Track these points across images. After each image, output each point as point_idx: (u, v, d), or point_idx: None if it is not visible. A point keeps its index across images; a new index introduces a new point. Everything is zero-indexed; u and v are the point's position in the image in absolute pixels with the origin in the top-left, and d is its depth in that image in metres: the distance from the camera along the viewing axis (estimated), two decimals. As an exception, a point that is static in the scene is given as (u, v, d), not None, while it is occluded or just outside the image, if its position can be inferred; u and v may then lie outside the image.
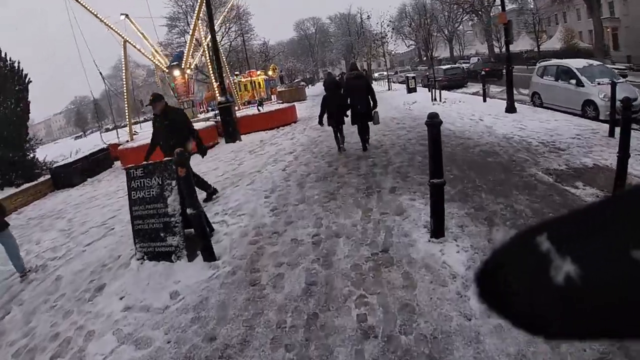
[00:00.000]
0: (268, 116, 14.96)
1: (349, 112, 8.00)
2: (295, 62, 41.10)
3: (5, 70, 12.66)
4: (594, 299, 0.27)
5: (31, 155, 13.12)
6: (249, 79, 25.17)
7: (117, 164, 13.36)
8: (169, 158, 4.58)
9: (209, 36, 17.48)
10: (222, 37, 37.64)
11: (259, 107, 15.77)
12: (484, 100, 13.94)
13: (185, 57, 15.58)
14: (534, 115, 10.26)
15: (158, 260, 4.48)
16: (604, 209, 0.30)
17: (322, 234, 4.27)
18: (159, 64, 16.22)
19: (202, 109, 25.05)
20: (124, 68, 15.42)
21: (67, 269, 5.15)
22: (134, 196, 4.68)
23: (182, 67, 15.69)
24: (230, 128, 12.79)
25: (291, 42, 76.18)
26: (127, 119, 15.68)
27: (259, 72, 27.46)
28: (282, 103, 26.79)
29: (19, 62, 13.39)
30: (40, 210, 10.31)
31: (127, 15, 16.68)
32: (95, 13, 14.53)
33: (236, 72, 27.85)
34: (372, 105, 7.76)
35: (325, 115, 8.14)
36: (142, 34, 17.17)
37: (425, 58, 70.05)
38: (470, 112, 11.79)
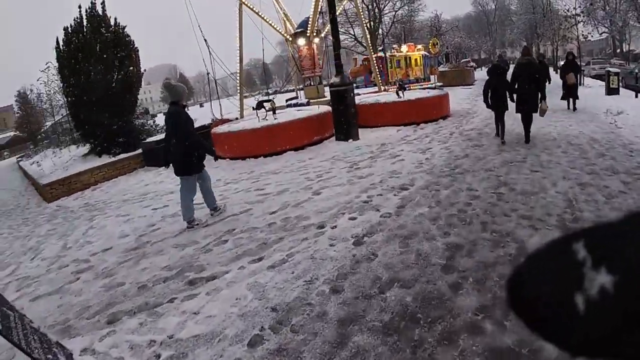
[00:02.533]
0: (406, 106, 10.95)
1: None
2: (465, 38, 34.02)
3: (106, 36, 11.78)
4: (632, 313, 0.25)
5: (137, 123, 12.97)
6: (404, 54, 20.94)
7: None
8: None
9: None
10: (385, 6, 33.73)
11: (399, 92, 11.87)
12: None
13: (311, 22, 12.54)
14: None
15: None
16: None
17: None
18: (282, 32, 13.58)
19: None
20: (237, 34, 13.30)
21: None
22: None
23: (308, 34, 12.73)
24: (342, 122, 9.38)
25: (467, 17, 67.26)
26: (239, 94, 13.69)
27: (418, 47, 22.92)
28: (441, 86, 21.99)
29: (123, 28, 12.44)
30: (104, 194, 9.01)
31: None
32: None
33: (394, 46, 23.92)
34: (540, 96, 7.39)
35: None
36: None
37: (619, 50, 52.99)
38: None
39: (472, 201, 4.67)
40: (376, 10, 33.88)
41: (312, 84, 13.70)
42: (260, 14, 13.64)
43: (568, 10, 31.24)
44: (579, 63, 11.15)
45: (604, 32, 50.91)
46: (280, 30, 13.87)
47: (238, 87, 14.26)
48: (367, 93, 15.17)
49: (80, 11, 12.30)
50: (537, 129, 8.64)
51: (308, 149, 9.53)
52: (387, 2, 34.03)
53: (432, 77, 22.28)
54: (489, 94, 7.73)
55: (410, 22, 36.93)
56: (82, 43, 11.76)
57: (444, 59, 27.80)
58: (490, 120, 9.83)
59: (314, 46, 13.36)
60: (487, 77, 8.04)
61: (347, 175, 6.64)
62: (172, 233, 5.06)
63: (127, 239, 5.19)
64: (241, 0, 13.49)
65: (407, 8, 34.56)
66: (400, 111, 10.89)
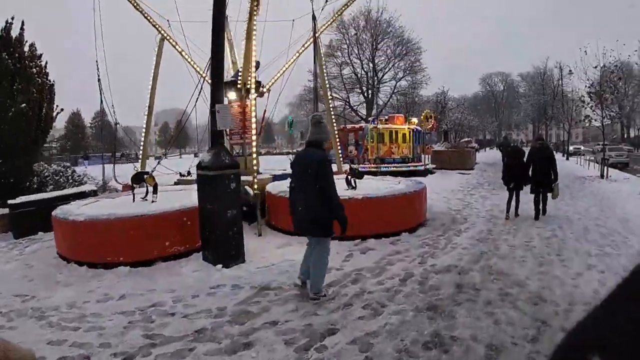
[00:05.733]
0: (351, 209, 6.70)
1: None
2: (468, 114, 30.61)
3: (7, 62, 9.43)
4: None
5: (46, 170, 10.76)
6: (388, 126, 17.18)
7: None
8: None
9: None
10: (384, 74, 31.08)
11: (351, 181, 7.73)
12: None
13: (242, 69, 8.71)
14: None
15: None
16: None
17: None
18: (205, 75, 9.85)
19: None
20: (152, 73, 9.71)
21: None
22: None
23: (240, 86, 8.91)
24: (212, 231, 5.12)
25: (475, 96, 66.36)
26: (142, 150, 9.81)
27: (412, 120, 19.29)
28: (434, 169, 17.99)
29: (33, 57, 9.75)
30: None
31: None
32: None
33: (382, 118, 20.41)
34: (553, 177, 8.00)
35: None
36: (228, 40, 11.32)
37: (626, 135, 50.21)
38: None
39: None
40: (375, 78, 31.28)
41: (239, 153, 9.67)
42: (183, 53, 10.04)
43: (587, 86, 28.60)
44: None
45: (611, 116, 48.42)
46: (203, 74, 10.14)
47: (141, 143, 10.37)
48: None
49: None
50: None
51: (155, 268, 5.34)
52: (387, 70, 31.45)
53: (424, 156, 18.39)
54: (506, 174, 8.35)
55: (413, 94, 34.11)
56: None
57: (442, 137, 24.24)
58: (485, 244, 5.83)
59: (248, 103, 9.44)
60: (506, 159, 8.62)
61: None
62: None
63: None
64: (162, 33, 10.00)
65: (409, 79, 31.78)
66: (348, 214, 6.61)
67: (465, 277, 4.67)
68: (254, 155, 7.26)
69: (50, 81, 10.68)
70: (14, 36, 9.72)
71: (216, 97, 5.13)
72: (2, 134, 9.26)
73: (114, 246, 5.49)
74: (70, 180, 11.96)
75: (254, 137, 7.36)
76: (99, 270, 5.36)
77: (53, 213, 6.34)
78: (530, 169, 8.07)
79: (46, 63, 10.57)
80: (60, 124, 45.89)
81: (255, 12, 7.70)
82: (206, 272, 5.00)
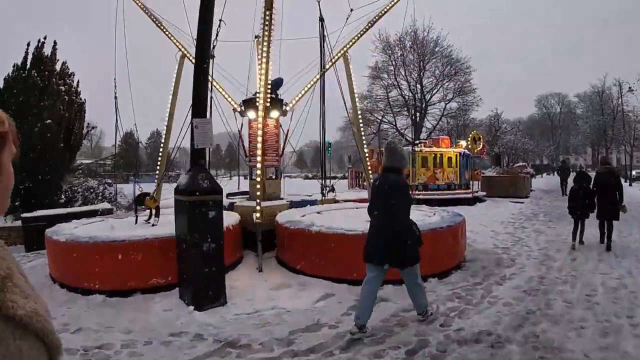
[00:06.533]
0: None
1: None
2: (522, 137, 28.17)
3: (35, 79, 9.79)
4: None
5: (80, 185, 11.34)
6: (432, 149, 15.77)
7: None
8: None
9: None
10: (432, 96, 29.64)
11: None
12: None
13: (261, 89, 8.00)
14: None
15: None
16: None
17: None
18: (230, 100, 9.21)
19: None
20: (171, 92, 9.34)
21: None
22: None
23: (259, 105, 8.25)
24: (189, 266, 4.34)
25: (530, 119, 62.87)
26: (158, 171, 9.39)
27: (461, 143, 17.76)
28: (484, 197, 16.30)
29: (63, 75, 9.97)
30: None
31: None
32: (150, 15, 9.02)
33: (426, 140, 19.05)
34: (619, 199, 7.57)
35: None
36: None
37: None
38: None
39: None
40: (422, 100, 29.96)
41: (257, 176, 8.93)
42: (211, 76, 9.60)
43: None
44: None
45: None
46: (228, 98, 9.59)
47: (158, 162, 10.01)
48: (352, 201, 10.18)
49: (27, 49, 10.20)
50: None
51: (129, 300, 4.75)
52: (435, 91, 30.03)
53: (473, 183, 16.77)
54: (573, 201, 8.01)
55: (464, 117, 32.25)
56: (8, 84, 9.87)
57: (495, 161, 22.28)
58: (533, 299, 4.69)
59: (268, 123, 8.77)
60: (573, 185, 8.32)
61: None
62: None
63: None
64: (182, 50, 9.65)
65: (459, 100, 30.09)
66: (354, 252, 5.52)
67: (500, 353, 3.44)
68: (258, 179, 6.46)
69: (80, 99, 10.79)
70: (45, 54, 9.94)
71: (196, 110, 4.40)
72: (27, 149, 9.26)
73: (90, 272, 5.01)
74: (100, 197, 11.93)
75: (258, 159, 6.59)
76: (76, 295, 4.96)
77: (46, 230, 5.95)
78: (596, 195, 7.83)
79: (78, 82, 10.72)
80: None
81: (267, 27, 7.01)
82: (176, 313, 4.19)
